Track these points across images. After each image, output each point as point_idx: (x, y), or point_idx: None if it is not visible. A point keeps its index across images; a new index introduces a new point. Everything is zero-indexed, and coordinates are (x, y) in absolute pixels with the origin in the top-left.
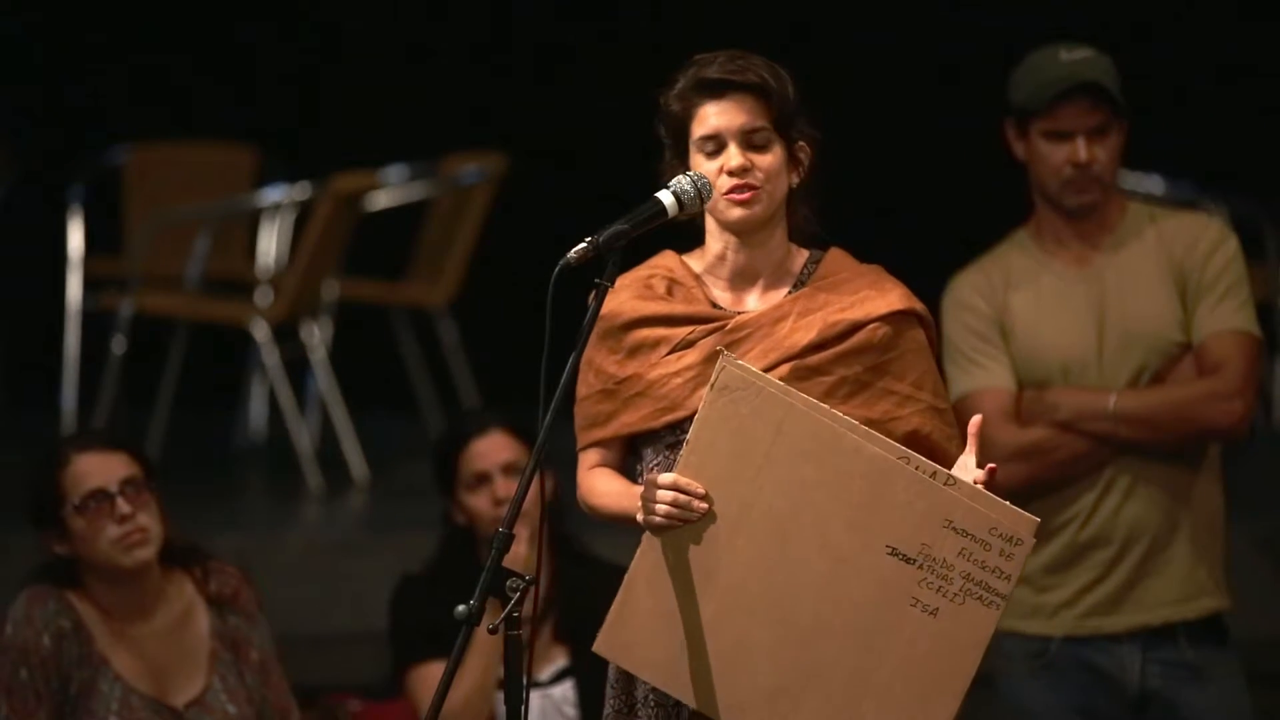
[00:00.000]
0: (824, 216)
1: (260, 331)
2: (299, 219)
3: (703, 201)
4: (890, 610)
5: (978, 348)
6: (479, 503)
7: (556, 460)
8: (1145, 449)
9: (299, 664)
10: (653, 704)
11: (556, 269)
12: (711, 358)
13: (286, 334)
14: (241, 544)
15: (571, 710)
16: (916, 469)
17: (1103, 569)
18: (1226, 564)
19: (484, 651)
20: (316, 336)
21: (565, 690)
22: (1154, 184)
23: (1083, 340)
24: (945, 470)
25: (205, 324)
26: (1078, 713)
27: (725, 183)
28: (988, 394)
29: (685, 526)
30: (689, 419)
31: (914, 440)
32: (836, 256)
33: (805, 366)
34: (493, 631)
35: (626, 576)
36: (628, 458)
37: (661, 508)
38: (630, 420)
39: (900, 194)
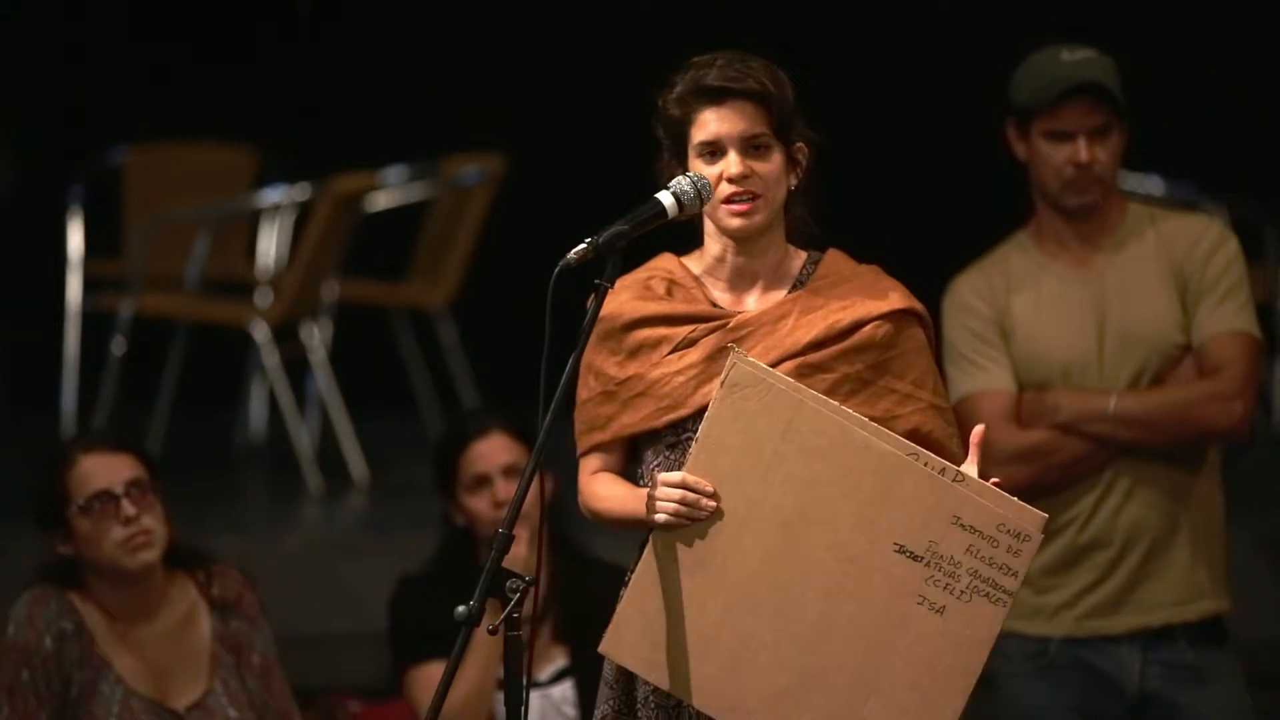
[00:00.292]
0: (824, 217)
1: (260, 332)
2: (299, 219)
3: (703, 202)
4: (897, 608)
5: (978, 349)
6: (479, 504)
7: (556, 461)
8: (1145, 450)
9: (298, 664)
10: (653, 704)
11: (556, 269)
12: (713, 356)
13: (286, 334)
14: (241, 545)
15: (571, 710)
16: (926, 465)
17: (1102, 570)
18: (1226, 565)
19: (484, 652)
20: (316, 337)
21: (565, 690)
22: (1154, 185)
23: (1083, 342)
24: (954, 467)
25: (205, 324)
26: (1077, 713)
27: (725, 190)
28: (988, 396)
29: (692, 525)
30: (691, 418)
31: (914, 438)
32: (835, 258)
33: (808, 364)
34: (493, 632)
35: (633, 576)
36: (629, 463)
37: (670, 506)
38: (631, 421)
39: (900, 194)
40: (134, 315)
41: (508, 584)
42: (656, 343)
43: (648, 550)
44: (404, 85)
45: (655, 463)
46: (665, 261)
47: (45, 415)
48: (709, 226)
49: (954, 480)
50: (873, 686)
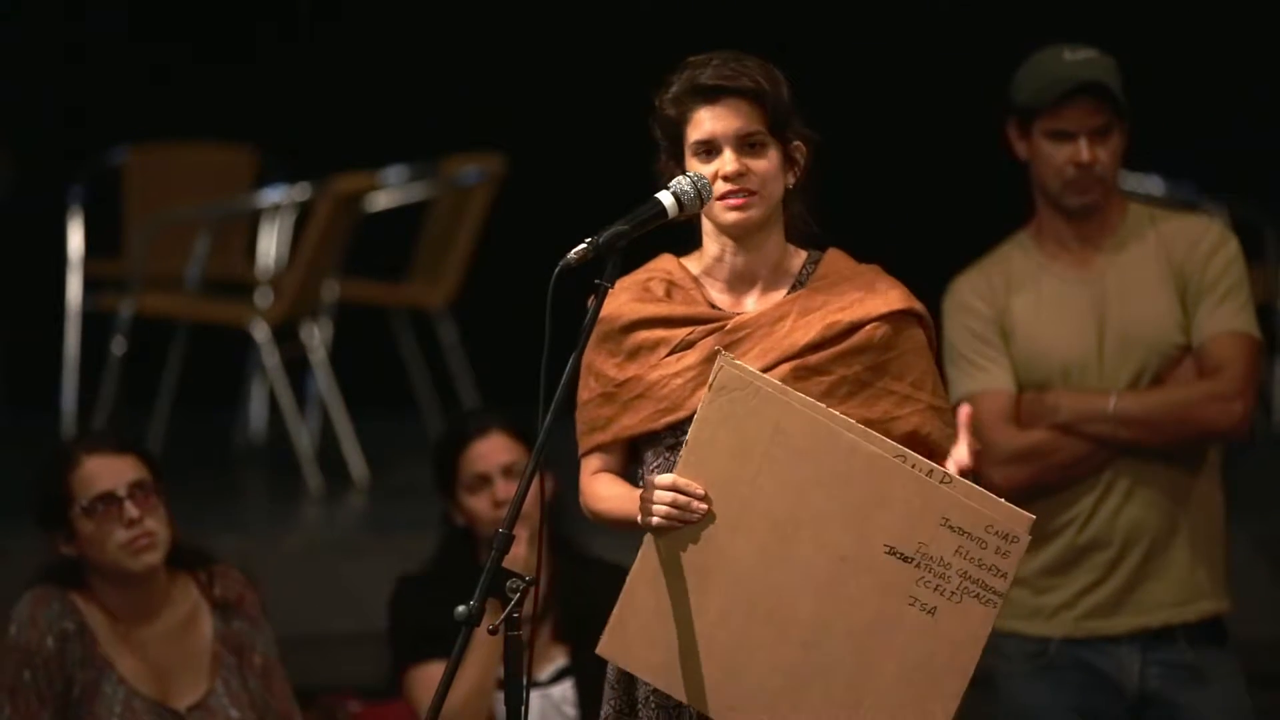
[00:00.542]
0: (823, 217)
1: (260, 332)
2: (299, 219)
3: (702, 202)
4: (889, 610)
5: (978, 350)
6: (479, 504)
7: (556, 461)
8: (1145, 451)
9: (298, 664)
10: (653, 705)
11: (556, 270)
12: (711, 358)
13: (286, 335)
14: (241, 545)
15: (571, 710)
16: (913, 467)
17: (1102, 571)
18: (1226, 566)
19: (484, 652)
20: (316, 337)
21: (565, 690)
22: (1154, 185)
23: (1083, 342)
24: (941, 468)
25: (205, 324)
26: (1077, 714)
27: (720, 187)
28: (988, 396)
29: (685, 527)
30: (689, 420)
31: (913, 440)
32: (835, 257)
33: (805, 366)
34: (493, 632)
35: (628, 579)
36: (630, 462)
37: (661, 509)
38: (630, 423)
39: (900, 194)
40: (134, 315)
41: (508, 584)
42: (655, 345)
43: (644, 551)
44: (404, 85)
45: (655, 464)
46: (665, 262)
47: (45, 415)
48: (708, 227)
49: (941, 482)
50: (867, 688)
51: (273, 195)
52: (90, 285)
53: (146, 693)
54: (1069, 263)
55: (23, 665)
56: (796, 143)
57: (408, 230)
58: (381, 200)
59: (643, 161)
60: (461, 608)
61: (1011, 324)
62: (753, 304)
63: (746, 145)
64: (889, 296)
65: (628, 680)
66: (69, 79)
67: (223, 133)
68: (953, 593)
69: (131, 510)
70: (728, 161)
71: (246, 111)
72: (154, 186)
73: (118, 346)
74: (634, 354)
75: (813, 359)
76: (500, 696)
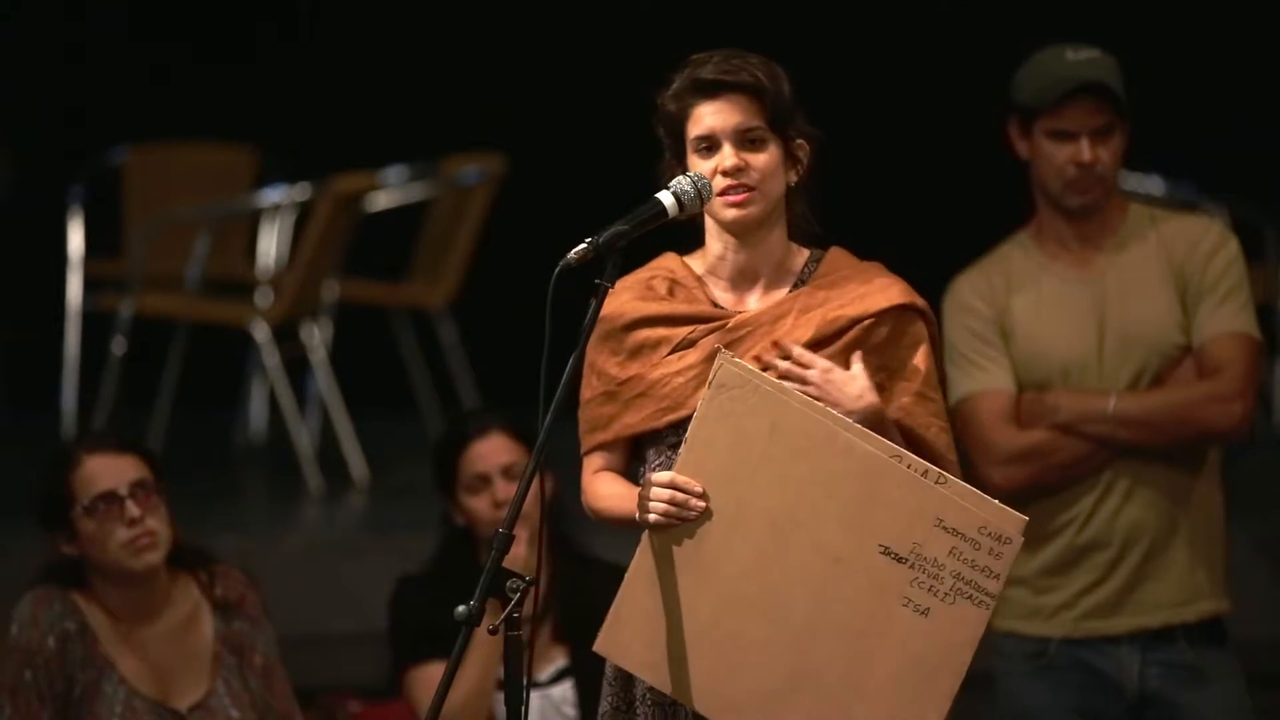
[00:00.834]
0: (825, 215)
1: (260, 332)
2: (299, 219)
3: (703, 202)
4: (883, 610)
5: (978, 349)
6: (479, 504)
7: (557, 461)
8: (1145, 451)
9: (299, 664)
10: (650, 702)
11: (556, 269)
12: (712, 356)
13: (286, 334)
14: (241, 545)
15: (571, 710)
16: (909, 467)
17: (1102, 571)
18: (1226, 566)
19: (484, 652)
20: (316, 337)
21: (565, 690)
22: (1154, 185)
23: (1083, 342)
24: (936, 469)
25: (205, 324)
26: (1077, 714)
27: (720, 183)
28: (988, 396)
29: (683, 525)
30: (691, 418)
31: (907, 435)
32: (837, 255)
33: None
34: (493, 632)
35: (625, 576)
36: (632, 461)
37: (659, 506)
38: (632, 421)
39: (901, 193)
40: (134, 315)
41: (508, 584)
42: (657, 343)
43: (641, 549)
44: (404, 85)
45: (657, 462)
46: (667, 261)
47: (45, 415)
48: (710, 225)
49: (936, 482)
50: (861, 687)
51: (273, 195)
52: (90, 285)
53: (147, 693)
54: (1069, 263)
55: (24, 665)
56: (799, 140)
57: (408, 230)
58: (381, 200)
59: (643, 161)
60: (461, 608)
61: (1011, 324)
62: (755, 302)
63: (746, 140)
64: (890, 292)
65: (626, 677)
66: (69, 79)
67: (223, 133)
68: (946, 594)
69: (133, 509)
70: (727, 156)
71: (246, 111)
72: (154, 186)
73: (118, 346)
74: (636, 352)
75: None
76: (500, 697)
